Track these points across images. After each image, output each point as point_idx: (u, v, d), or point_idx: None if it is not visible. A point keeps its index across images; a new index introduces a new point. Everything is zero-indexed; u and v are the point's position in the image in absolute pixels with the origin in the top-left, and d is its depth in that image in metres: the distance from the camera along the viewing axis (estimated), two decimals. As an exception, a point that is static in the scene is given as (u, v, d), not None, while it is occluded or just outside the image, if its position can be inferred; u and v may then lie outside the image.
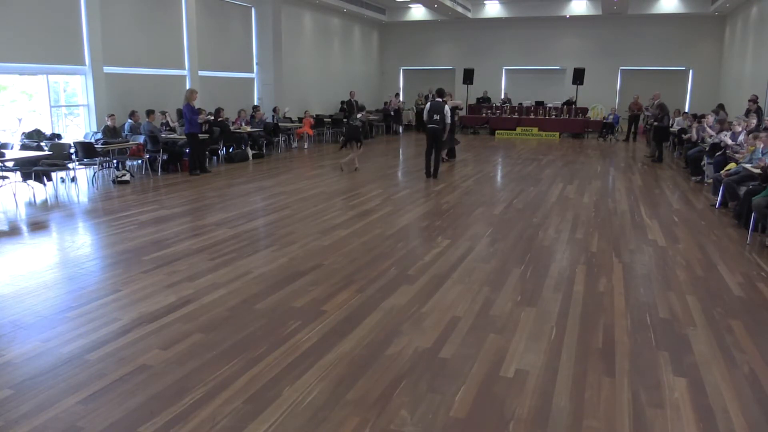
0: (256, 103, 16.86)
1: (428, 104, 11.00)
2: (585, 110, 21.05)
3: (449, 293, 4.87)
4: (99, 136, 10.90)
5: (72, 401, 3.13)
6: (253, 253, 5.98)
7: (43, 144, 10.11)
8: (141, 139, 11.21)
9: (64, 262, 5.66)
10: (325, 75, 20.86)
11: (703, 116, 12.93)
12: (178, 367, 3.52)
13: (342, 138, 13.11)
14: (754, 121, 10.12)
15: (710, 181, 9.83)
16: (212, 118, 12.51)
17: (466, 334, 4.05)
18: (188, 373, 3.46)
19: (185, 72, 14.62)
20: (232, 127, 13.34)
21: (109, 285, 4.97)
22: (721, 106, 14.25)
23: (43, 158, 9.17)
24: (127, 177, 10.26)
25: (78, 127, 12.19)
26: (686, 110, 19.09)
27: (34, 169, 9.04)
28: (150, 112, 11.31)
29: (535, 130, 20.16)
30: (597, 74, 21.35)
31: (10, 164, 8.85)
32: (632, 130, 18.78)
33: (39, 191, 9.19)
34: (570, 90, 20.85)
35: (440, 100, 10.87)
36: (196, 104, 11.10)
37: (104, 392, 3.23)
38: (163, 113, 12.10)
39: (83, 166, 10.42)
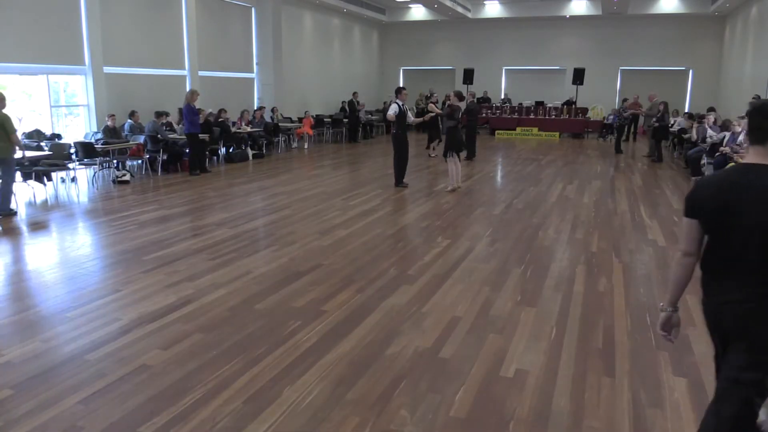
0: (256, 104, 16.88)
1: None
2: (585, 110, 21.04)
3: (449, 293, 4.87)
4: (99, 136, 10.91)
5: (72, 401, 3.13)
6: (253, 253, 5.98)
7: (43, 144, 10.11)
8: (141, 139, 11.22)
9: (64, 262, 5.66)
10: (325, 75, 20.86)
11: (703, 116, 12.93)
12: (178, 367, 3.52)
13: (443, 145, 10.29)
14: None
15: (710, 181, 9.81)
16: (212, 120, 12.52)
17: (466, 334, 4.05)
18: (188, 373, 3.46)
19: (185, 72, 14.63)
20: (233, 128, 13.35)
21: (109, 285, 4.97)
22: (712, 109, 14.22)
23: (43, 158, 9.17)
24: (127, 177, 10.26)
25: (75, 124, 12.18)
26: (686, 110, 19.09)
27: (34, 169, 9.05)
28: (159, 114, 11.31)
29: (535, 130, 20.16)
30: (597, 74, 21.35)
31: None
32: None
33: (39, 191, 9.19)
34: (570, 90, 20.85)
35: (395, 101, 9.71)
36: (196, 104, 11.10)
37: (104, 392, 3.23)
38: (166, 114, 12.08)
39: (83, 166, 10.41)
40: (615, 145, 16.19)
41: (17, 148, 7.79)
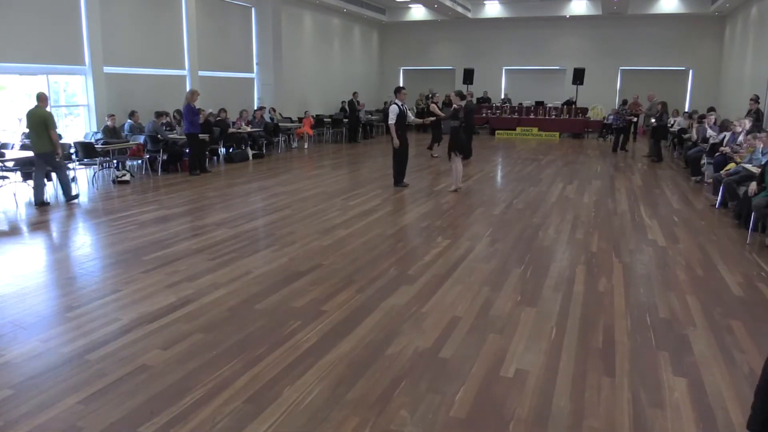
0: (256, 104, 16.89)
1: None
2: (585, 110, 21.05)
3: (449, 293, 4.87)
4: (99, 136, 10.90)
5: (72, 401, 3.13)
6: (253, 253, 5.98)
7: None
8: (141, 139, 11.22)
9: (64, 262, 5.66)
10: (325, 75, 20.86)
11: (703, 116, 12.93)
12: (178, 367, 3.52)
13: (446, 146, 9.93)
14: (747, 123, 10.14)
15: (710, 181, 9.83)
16: (214, 119, 12.52)
17: (466, 334, 4.05)
18: (188, 373, 3.46)
19: (185, 72, 14.63)
20: (233, 128, 13.34)
21: (109, 285, 4.97)
22: (712, 109, 14.25)
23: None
24: (127, 177, 10.26)
25: (75, 124, 12.17)
26: (686, 110, 19.09)
27: (34, 169, 9.03)
28: (159, 114, 11.31)
29: (535, 130, 20.16)
30: (597, 74, 21.35)
31: (10, 164, 8.84)
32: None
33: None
34: (570, 90, 20.85)
35: (394, 101, 9.68)
36: (197, 104, 11.09)
37: (104, 392, 3.23)
38: (166, 114, 12.08)
39: (83, 166, 10.41)
40: (613, 145, 16.31)
41: (55, 144, 8.35)
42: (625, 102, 16.68)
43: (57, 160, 8.37)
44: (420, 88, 22.74)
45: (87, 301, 4.60)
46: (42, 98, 8.30)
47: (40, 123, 8.10)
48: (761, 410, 2.64)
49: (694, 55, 21.07)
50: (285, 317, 4.32)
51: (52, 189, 9.48)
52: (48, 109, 8.37)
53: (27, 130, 8.52)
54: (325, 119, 18.20)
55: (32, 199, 8.24)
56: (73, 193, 8.64)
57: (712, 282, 5.30)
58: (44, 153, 8.23)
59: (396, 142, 9.60)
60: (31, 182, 9.13)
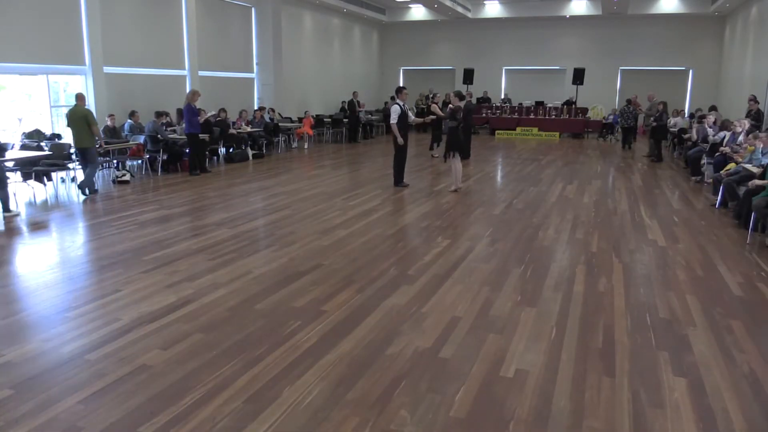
0: (256, 104, 16.89)
1: None
2: (585, 110, 21.04)
3: (449, 293, 4.87)
4: (99, 136, 10.90)
5: (72, 401, 3.13)
6: (253, 253, 5.98)
7: (43, 144, 10.11)
8: (141, 139, 11.22)
9: (64, 262, 5.66)
10: (325, 75, 20.86)
11: (703, 116, 12.93)
12: (178, 367, 3.52)
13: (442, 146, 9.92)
14: (747, 123, 10.15)
15: (710, 181, 9.83)
16: (214, 119, 12.52)
17: (466, 334, 4.05)
18: (188, 373, 3.46)
19: (185, 72, 14.62)
20: (233, 128, 13.34)
21: (109, 285, 4.97)
22: (714, 108, 14.27)
23: (43, 158, 9.17)
24: (127, 177, 10.26)
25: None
26: (687, 110, 19.08)
27: (34, 169, 9.05)
28: (159, 114, 11.31)
29: (535, 130, 20.16)
30: (597, 74, 21.35)
31: (10, 164, 8.84)
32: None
33: (39, 191, 9.19)
34: (570, 90, 20.85)
35: (396, 101, 9.74)
36: (197, 105, 11.09)
37: (104, 392, 3.23)
38: (166, 114, 12.09)
39: (83, 166, 10.39)
40: (622, 143, 16.90)
41: (98, 138, 9.30)
42: (629, 101, 16.78)
43: (95, 155, 9.11)
44: (420, 88, 22.74)
45: (87, 301, 4.60)
46: (81, 98, 9.09)
47: (82, 119, 8.82)
48: None
49: (694, 55, 21.07)
50: (285, 317, 4.32)
51: (52, 189, 9.48)
52: (87, 107, 9.14)
53: (68, 128, 9.17)
54: (325, 119, 18.20)
55: (84, 189, 8.94)
56: (88, 192, 8.99)
57: (712, 282, 5.30)
58: (84, 148, 8.94)
59: (400, 140, 9.58)
60: (31, 182, 9.18)
